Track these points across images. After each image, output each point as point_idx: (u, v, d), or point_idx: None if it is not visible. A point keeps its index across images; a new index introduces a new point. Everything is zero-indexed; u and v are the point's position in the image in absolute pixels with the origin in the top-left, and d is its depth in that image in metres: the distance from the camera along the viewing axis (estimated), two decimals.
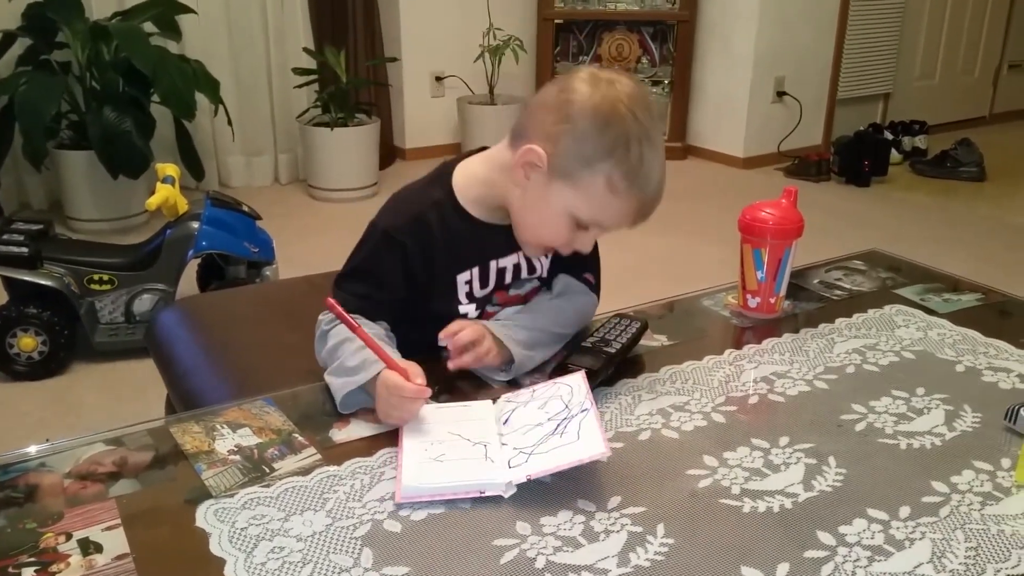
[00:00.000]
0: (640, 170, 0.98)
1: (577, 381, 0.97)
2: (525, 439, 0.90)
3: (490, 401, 1.00)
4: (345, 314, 0.96)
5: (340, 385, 0.99)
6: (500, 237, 1.11)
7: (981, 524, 0.82)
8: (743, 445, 0.93)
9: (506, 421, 0.95)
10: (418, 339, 1.07)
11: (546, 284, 1.19)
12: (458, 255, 1.11)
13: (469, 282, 1.12)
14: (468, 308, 1.13)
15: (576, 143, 0.99)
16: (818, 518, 0.82)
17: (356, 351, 1.00)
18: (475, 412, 0.98)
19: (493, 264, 1.13)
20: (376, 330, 1.05)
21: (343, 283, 1.11)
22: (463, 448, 0.90)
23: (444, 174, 1.13)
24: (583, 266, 1.18)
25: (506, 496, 0.84)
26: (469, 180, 1.12)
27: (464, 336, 1.04)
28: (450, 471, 0.86)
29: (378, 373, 0.96)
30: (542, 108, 1.03)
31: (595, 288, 1.20)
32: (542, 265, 1.17)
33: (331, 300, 0.97)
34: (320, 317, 1.10)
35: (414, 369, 0.96)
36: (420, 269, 1.10)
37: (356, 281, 1.10)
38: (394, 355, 0.98)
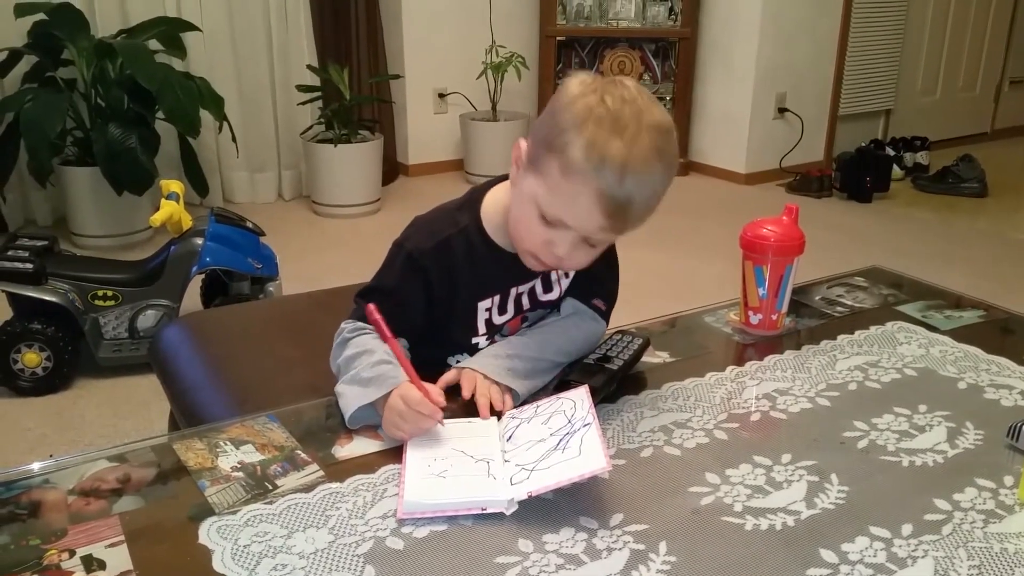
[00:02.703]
0: (593, 152, 0.91)
1: (580, 396, 0.97)
2: (528, 455, 0.90)
3: (494, 418, 1.00)
4: (381, 322, 0.96)
5: (352, 396, 0.99)
6: (524, 266, 1.09)
7: (984, 542, 0.82)
8: (745, 462, 0.93)
9: (510, 438, 0.95)
10: (432, 358, 1.07)
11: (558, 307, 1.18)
12: (481, 282, 1.10)
13: (489, 309, 1.12)
14: (480, 339, 1.13)
15: (542, 126, 0.97)
16: (820, 536, 0.82)
17: (374, 365, 1.00)
18: (479, 428, 0.98)
19: (513, 291, 1.12)
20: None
21: (367, 297, 1.10)
22: (466, 465, 0.90)
23: (473, 200, 1.12)
24: (595, 292, 1.16)
25: (508, 513, 0.84)
26: (495, 207, 1.10)
27: (465, 391, 1.03)
28: (452, 487, 0.86)
29: (391, 390, 0.96)
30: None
31: (604, 315, 1.18)
32: (560, 285, 1.15)
33: (372, 306, 0.97)
34: (343, 325, 1.09)
35: (435, 391, 0.96)
36: (442, 294, 1.09)
37: (378, 298, 1.08)
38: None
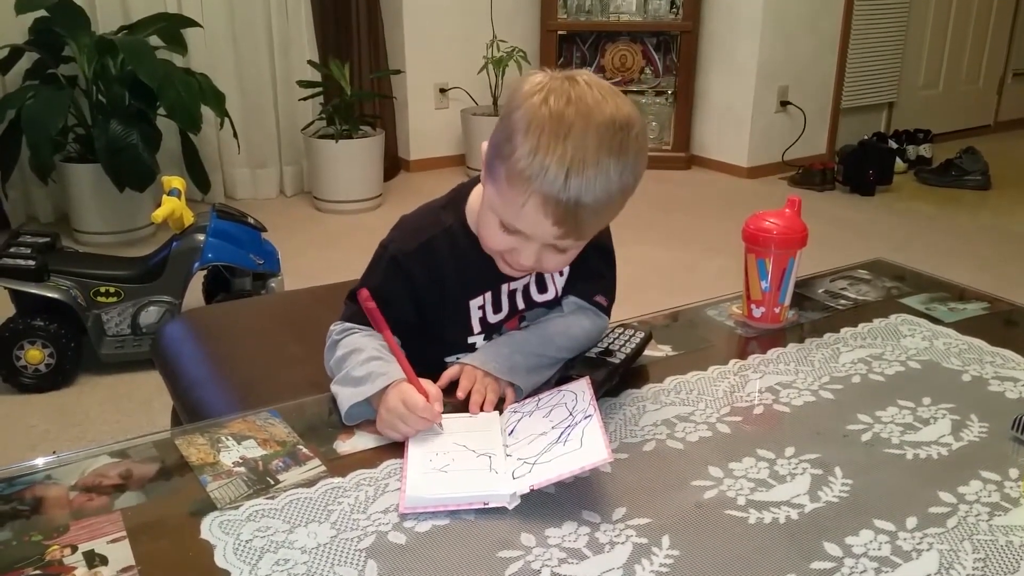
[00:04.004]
0: (534, 159, 0.89)
1: (581, 387, 0.97)
2: (530, 449, 0.90)
3: (496, 412, 1.00)
4: (376, 310, 0.94)
5: (346, 396, 0.99)
6: None
7: (989, 535, 0.81)
8: (748, 456, 0.93)
9: (512, 431, 0.95)
10: (430, 358, 1.07)
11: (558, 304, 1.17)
12: (469, 282, 1.09)
13: (482, 307, 1.11)
14: (477, 339, 1.12)
15: (495, 131, 0.96)
16: (824, 529, 0.82)
17: (364, 362, 1.00)
18: (481, 423, 0.98)
19: (505, 287, 1.11)
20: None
21: (354, 297, 1.10)
22: (468, 459, 0.90)
23: (459, 197, 1.11)
24: (594, 289, 1.15)
25: (510, 507, 0.83)
26: (480, 204, 1.09)
27: (462, 389, 1.02)
28: (454, 482, 0.86)
29: (384, 388, 0.96)
30: None
31: (606, 311, 1.17)
32: (555, 285, 1.14)
33: (365, 291, 0.95)
34: (332, 327, 1.09)
35: (435, 392, 0.96)
36: (430, 295, 1.08)
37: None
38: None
